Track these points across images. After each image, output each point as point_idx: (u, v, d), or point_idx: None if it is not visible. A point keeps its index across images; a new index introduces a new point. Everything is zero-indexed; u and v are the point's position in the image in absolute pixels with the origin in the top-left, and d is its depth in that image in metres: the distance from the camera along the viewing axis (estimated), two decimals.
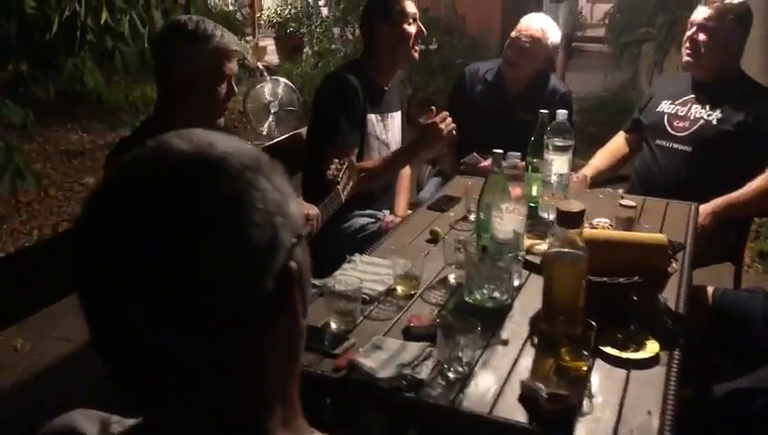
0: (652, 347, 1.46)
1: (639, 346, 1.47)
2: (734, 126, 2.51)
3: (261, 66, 7.32)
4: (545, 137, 2.26)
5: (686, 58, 2.63)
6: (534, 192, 2.33)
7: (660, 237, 1.70)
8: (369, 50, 2.62)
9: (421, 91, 6.56)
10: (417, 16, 2.58)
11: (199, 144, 0.59)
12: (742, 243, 2.75)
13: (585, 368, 1.39)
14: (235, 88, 1.93)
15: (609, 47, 6.05)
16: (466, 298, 1.70)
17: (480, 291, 1.68)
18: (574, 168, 2.44)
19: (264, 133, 5.66)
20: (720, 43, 2.53)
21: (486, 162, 2.88)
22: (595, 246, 1.61)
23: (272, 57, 7.84)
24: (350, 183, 2.29)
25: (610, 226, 2.09)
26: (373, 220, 2.60)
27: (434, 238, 2.09)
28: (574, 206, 1.51)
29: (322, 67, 6.53)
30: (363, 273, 1.79)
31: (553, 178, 2.24)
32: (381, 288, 1.72)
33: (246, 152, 0.61)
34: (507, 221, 1.76)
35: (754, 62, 4.18)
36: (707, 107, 2.58)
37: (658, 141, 2.67)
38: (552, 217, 2.19)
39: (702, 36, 2.54)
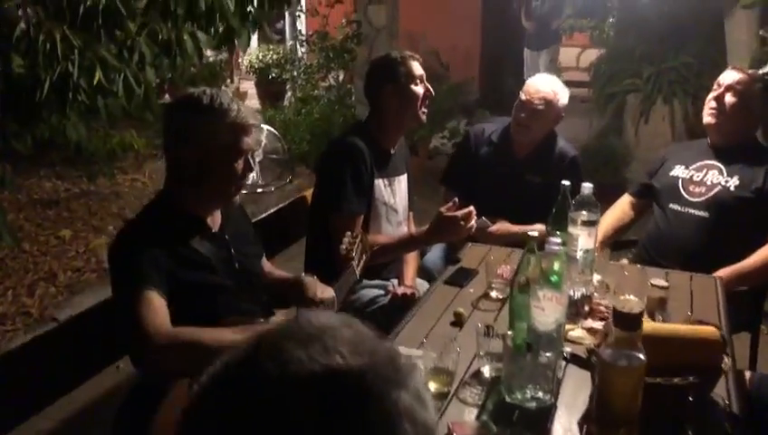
0: None
1: None
2: (752, 192, 2.47)
3: None
4: (570, 210, 2.16)
5: (708, 119, 2.60)
6: (557, 267, 2.23)
7: (713, 332, 1.60)
8: (374, 113, 2.54)
9: (407, 138, 6.49)
10: (425, 77, 2.51)
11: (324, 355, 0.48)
12: (758, 312, 2.68)
13: None
14: (252, 163, 1.80)
15: (594, 95, 6.05)
16: (507, 398, 1.58)
17: (522, 391, 1.57)
18: None
19: (249, 182, 5.51)
20: (745, 108, 2.52)
21: (495, 226, 2.80)
22: (646, 342, 1.52)
23: (252, 101, 7.73)
24: (364, 258, 2.17)
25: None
26: (383, 292, 2.49)
27: (458, 321, 1.97)
28: (633, 305, 1.40)
29: (306, 114, 6.43)
30: None
31: (579, 255, 2.14)
32: None
33: (380, 358, 0.50)
34: (549, 311, 1.65)
35: None
36: (725, 172, 2.54)
37: (672, 206, 2.61)
38: (578, 294, 2.10)
39: (729, 98, 2.52)
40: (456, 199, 2.34)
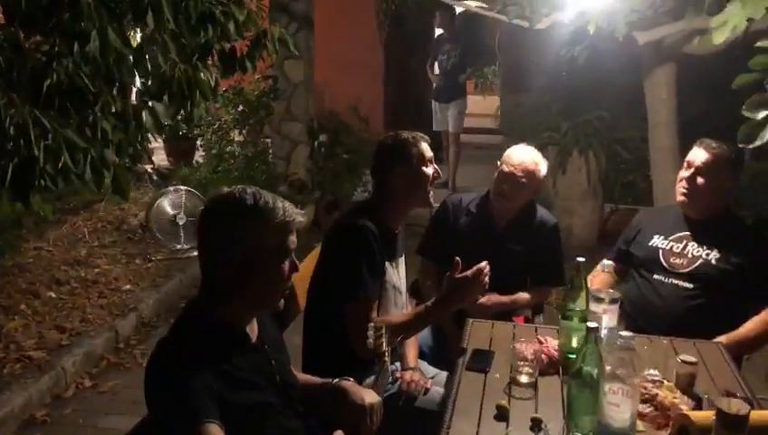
0: None
1: None
2: (733, 266, 2.56)
3: (150, 169, 6.84)
4: (594, 290, 2.16)
5: (681, 198, 2.68)
6: (575, 344, 2.22)
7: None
8: (381, 193, 2.46)
9: (330, 193, 6.41)
10: (433, 159, 2.46)
11: None
12: None
13: None
14: (297, 262, 1.66)
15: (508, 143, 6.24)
16: None
17: None
18: None
19: (177, 248, 5.20)
20: (716, 187, 2.61)
21: (485, 298, 2.76)
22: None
23: (158, 157, 7.37)
24: (389, 349, 2.05)
25: (663, 380, 2.00)
26: (389, 380, 2.36)
27: (503, 415, 1.90)
28: (739, 406, 1.39)
29: (223, 172, 6.19)
30: None
31: (604, 333, 2.13)
32: None
33: None
34: (624, 407, 1.61)
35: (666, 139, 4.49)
36: (704, 246, 2.63)
37: (656, 276, 2.68)
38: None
39: (700, 180, 2.61)
40: (458, 259, 2.26)
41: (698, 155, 2.62)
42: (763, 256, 2.58)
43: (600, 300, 2.12)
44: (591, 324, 1.74)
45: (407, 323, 2.28)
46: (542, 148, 6.02)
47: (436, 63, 7.91)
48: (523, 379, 2.08)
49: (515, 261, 2.89)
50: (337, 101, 7.49)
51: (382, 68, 9.19)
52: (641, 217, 2.95)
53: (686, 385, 1.99)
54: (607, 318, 2.12)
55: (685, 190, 2.65)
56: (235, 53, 3.00)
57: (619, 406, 1.62)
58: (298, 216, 1.63)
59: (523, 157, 2.82)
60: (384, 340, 2.00)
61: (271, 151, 6.55)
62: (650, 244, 2.75)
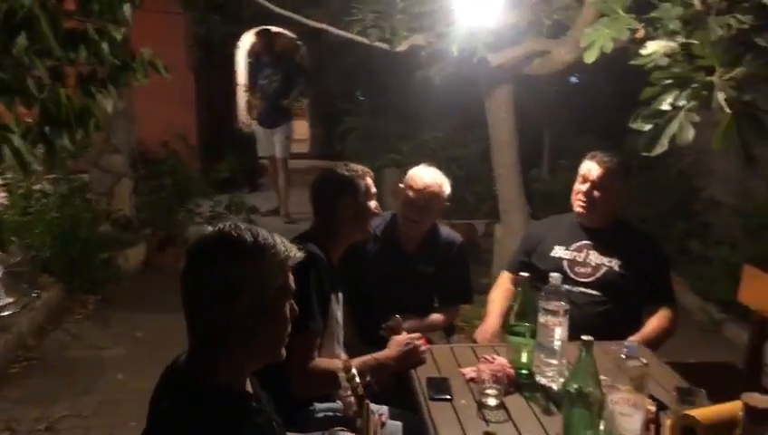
0: None
1: None
2: (633, 271, 2.74)
3: None
4: (541, 301, 2.18)
5: (579, 210, 2.82)
6: (525, 359, 2.23)
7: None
8: (325, 224, 2.39)
9: (161, 229, 5.94)
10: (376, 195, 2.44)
11: None
12: None
13: None
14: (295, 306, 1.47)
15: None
16: None
17: None
18: None
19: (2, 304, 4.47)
20: (612, 197, 2.79)
21: (407, 324, 2.68)
22: (722, 427, 1.60)
23: None
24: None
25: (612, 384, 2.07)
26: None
27: None
28: (763, 401, 1.46)
29: (37, 213, 5.47)
30: None
31: (557, 345, 2.16)
32: None
33: None
34: (637, 416, 1.63)
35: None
36: (605, 254, 2.79)
37: (564, 286, 2.79)
38: (553, 384, 2.12)
39: (596, 193, 2.77)
40: (398, 316, 2.24)
41: (593, 169, 2.78)
42: (656, 260, 2.82)
43: (553, 313, 2.15)
44: (586, 338, 1.74)
45: (363, 371, 2.16)
46: (381, 169, 6.20)
47: (260, 88, 7.70)
48: (491, 401, 2.04)
49: (426, 283, 2.87)
50: (153, 131, 7.02)
51: (193, 94, 8.81)
52: (536, 229, 3.07)
53: (640, 387, 2.07)
54: (560, 331, 2.15)
55: (583, 203, 2.80)
56: (95, 77, 2.64)
57: (631, 416, 1.64)
58: (294, 251, 1.44)
59: (428, 180, 2.81)
60: (357, 379, 1.85)
61: (89, 187, 5.93)
62: (553, 255, 2.86)
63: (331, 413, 2.21)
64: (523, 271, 2.95)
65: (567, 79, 6.53)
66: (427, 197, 2.77)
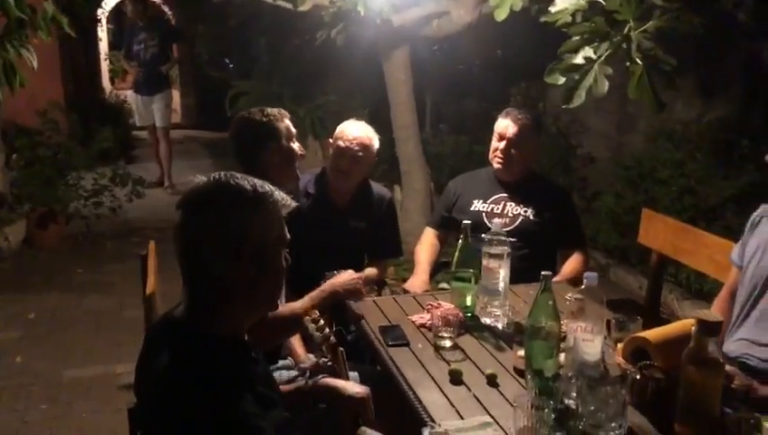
0: None
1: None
2: (547, 219, 2.92)
3: None
4: (485, 246, 2.28)
5: (497, 166, 2.95)
6: (469, 302, 2.33)
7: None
8: (253, 174, 2.27)
9: (41, 204, 5.54)
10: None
11: None
12: None
13: None
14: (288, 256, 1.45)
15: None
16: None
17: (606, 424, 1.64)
18: None
19: None
20: (527, 152, 2.94)
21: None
22: (670, 344, 1.78)
23: None
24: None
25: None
26: (298, 373, 2.21)
27: (458, 378, 1.92)
28: (711, 315, 1.63)
29: None
30: None
31: (501, 286, 2.28)
32: None
33: None
34: (597, 340, 1.77)
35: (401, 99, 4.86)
36: (521, 205, 2.94)
37: (483, 236, 2.93)
38: (498, 324, 2.25)
39: (513, 150, 2.90)
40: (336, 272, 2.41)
41: (509, 126, 2.91)
42: (567, 207, 3.05)
43: (497, 256, 2.25)
44: (545, 272, 1.85)
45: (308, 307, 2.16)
46: None
47: (135, 55, 7.30)
48: (447, 343, 2.12)
49: (358, 238, 2.90)
50: (21, 103, 6.48)
51: (59, 62, 8.21)
52: (455, 185, 3.17)
53: (578, 317, 2.23)
54: (503, 273, 2.27)
55: (501, 159, 2.93)
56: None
57: (592, 341, 1.77)
58: (289, 200, 1.43)
59: (358, 131, 2.83)
60: (326, 326, 1.86)
61: None
62: (472, 209, 2.98)
63: (285, 371, 2.21)
64: (444, 226, 3.11)
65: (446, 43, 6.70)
66: (356, 147, 2.79)
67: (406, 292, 2.88)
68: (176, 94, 11.57)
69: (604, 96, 2.62)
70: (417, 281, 2.92)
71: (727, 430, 1.63)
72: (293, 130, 2.42)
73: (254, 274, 1.32)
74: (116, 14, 12.43)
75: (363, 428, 1.50)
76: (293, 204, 1.43)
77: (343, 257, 2.81)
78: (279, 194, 1.40)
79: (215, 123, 9.67)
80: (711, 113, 4.68)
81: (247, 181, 1.36)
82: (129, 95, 7.50)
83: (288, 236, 1.42)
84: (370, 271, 2.89)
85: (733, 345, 2.24)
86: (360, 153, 2.81)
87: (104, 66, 11.94)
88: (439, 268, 3.13)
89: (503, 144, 2.92)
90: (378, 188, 2.99)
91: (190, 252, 1.32)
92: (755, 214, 2.38)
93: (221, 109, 5.92)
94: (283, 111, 2.43)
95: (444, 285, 3.07)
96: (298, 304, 2.20)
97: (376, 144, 2.88)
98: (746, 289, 2.28)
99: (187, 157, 8.71)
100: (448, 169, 6.08)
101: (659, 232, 3.15)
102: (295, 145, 2.42)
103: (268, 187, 1.38)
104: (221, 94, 7.88)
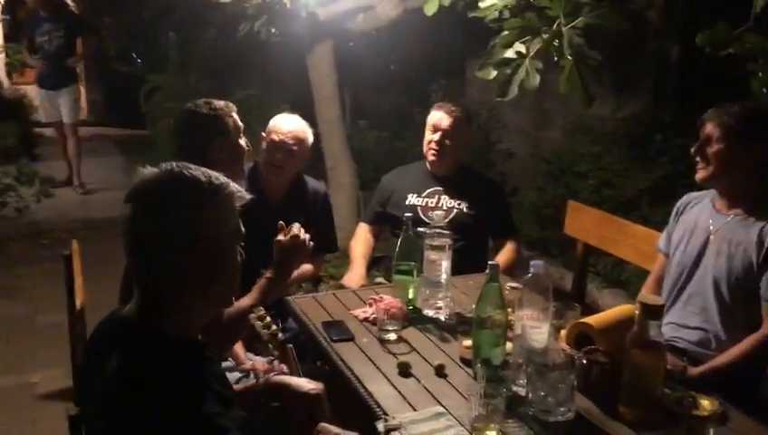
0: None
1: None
2: (480, 211, 2.97)
3: None
4: (427, 239, 2.29)
5: (431, 158, 2.98)
6: (411, 295, 2.33)
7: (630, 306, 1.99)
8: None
9: None
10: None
11: None
12: None
13: None
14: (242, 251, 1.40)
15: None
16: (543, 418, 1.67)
17: (554, 407, 1.67)
18: None
19: None
20: (460, 144, 2.99)
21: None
22: (612, 329, 1.84)
23: None
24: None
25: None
26: (242, 374, 2.15)
27: (406, 370, 1.91)
28: (654, 299, 1.69)
29: None
30: None
31: (443, 278, 2.28)
32: None
33: None
34: (544, 327, 1.80)
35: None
36: (455, 198, 2.98)
37: (420, 229, 2.94)
38: (441, 315, 2.26)
39: (447, 141, 2.93)
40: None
41: (443, 119, 2.95)
42: (499, 199, 3.12)
43: (439, 249, 2.26)
44: (492, 262, 1.87)
45: (259, 300, 2.09)
46: None
47: (39, 47, 6.89)
48: (392, 336, 2.12)
49: None
50: None
51: None
52: (389, 180, 3.17)
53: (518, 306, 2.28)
54: (446, 265, 2.28)
55: (435, 151, 2.95)
56: None
57: (540, 327, 1.80)
58: (243, 192, 1.38)
59: (293, 125, 2.78)
60: (272, 322, 1.82)
61: None
62: (407, 203, 2.99)
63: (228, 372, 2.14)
64: (378, 221, 3.11)
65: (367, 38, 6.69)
66: (291, 141, 2.74)
67: (342, 287, 2.85)
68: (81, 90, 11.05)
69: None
70: (355, 276, 2.90)
71: (668, 409, 1.70)
72: (241, 124, 2.32)
73: (209, 269, 1.27)
74: (11, 3, 11.74)
75: (322, 424, 1.46)
76: (248, 196, 1.38)
77: None
78: (234, 186, 1.34)
79: (124, 120, 9.32)
80: (625, 109, 4.88)
81: (201, 173, 1.30)
82: (33, 90, 7.08)
83: (243, 229, 1.37)
84: (306, 267, 2.84)
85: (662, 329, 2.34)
86: (295, 147, 2.76)
87: (0, 59, 11.26)
88: (374, 264, 3.13)
89: (437, 135, 2.94)
90: (312, 182, 2.95)
91: (142, 247, 1.24)
92: (679, 203, 2.49)
93: (131, 105, 5.71)
94: (230, 104, 2.32)
95: (380, 279, 3.07)
96: (246, 301, 2.12)
97: (310, 138, 2.84)
98: (673, 275, 2.39)
99: (95, 155, 8.32)
100: (372, 165, 6.08)
101: (584, 223, 3.25)
102: (243, 141, 2.32)
103: (223, 178, 1.33)
104: (130, 90, 7.63)
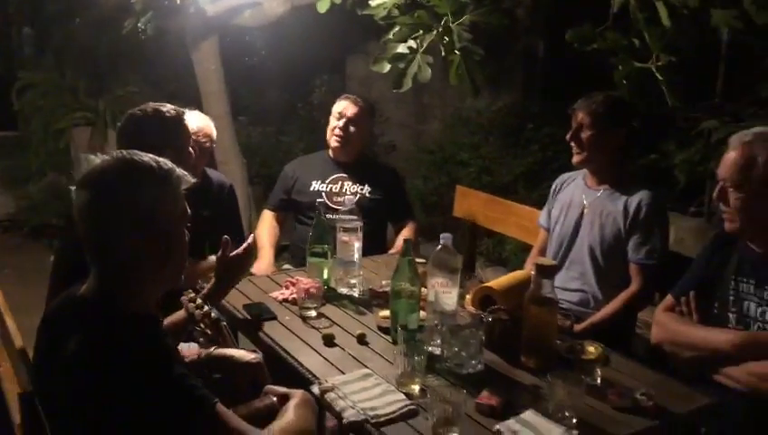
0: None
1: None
2: (381, 196, 3.17)
3: None
4: (339, 222, 2.45)
5: (335, 144, 3.14)
6: (325, 275, 2.48)
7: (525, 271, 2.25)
8: None
9: None
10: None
11: None
12: None
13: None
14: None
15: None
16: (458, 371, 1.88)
17: (467, 362, 1.89)
18: None
19: None
20: (364, 133, 3.18)
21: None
22: (511, 291, 2.10)
23: None
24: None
25: None
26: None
27: (331, 341, 2.06)
28: (547, 261, 1.94)
29: None
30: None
31: (355, 258, 2.45)
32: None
33: None
34: (454, 292, 2.01)
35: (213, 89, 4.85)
36: (357, 183, 3.16)
37: (328, 216, 3.09)
38: (354, 292, 2.43)
39: (352, 128, 3.11)
40: (227, 237, 2.26)
41: (349, 107, 3.13)
42: (397, 184, 3.35)
43: (351, 230, 2.43)
44: (407, 238, 2.08)
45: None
46: (67, 130, 5.70)
47: None
48: (313, 313, 2.26)
49: (204, 226, 2.88)
50: None
51: None
52: (292, 168, 3.29)
53: (423, 281, 2.48)
54: (357, 245, 2.45)
55: (339, 137, 3.12)
56: None
57: (450, 292, 2.01)
58: (187, 175, 1.48)
59: (201, 122, 2.85)
60: (203, 304, 1.90)
61: None
62: (312, 190, 3.14)
63: None
64: (283, 208, 3.23)
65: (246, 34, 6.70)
66: (204, 139, 2.82)
67: (251, 275, 2.94)
68: None
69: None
70: (263, 265, 3.01)
71: (561, 356, 1.97)
72: (191, 130, 2.37)
73: (163, 249, 1.37)
74: None
75: (268, 386, 1.59)
76: (192, 180, 1.48)
77: (199, 246, 2.81)
78: (180, 170, 1.44)
79: None
80: (499, 102, 5.26)
81: (150, 158, 1.39)
82: None
83: (189, 210, 1.47)
84: (211, 259, 2.91)
85: None
86: (207, 144, 2.83)
87: None
88: (279, 252, 3.25)
89: (342, 122, 3.11)
90: (217, 175, 3.03)
91: (99, 231, 1.32)
92: (555, 182, 2.81)
93: None
94: (179, 108, 2.33)
95: (287, 266, 3.19)
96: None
97: (214, 132, 2.92)
98: (554, 246, 2.70)
99: None
100: (259, 159, 6.14)
101: (472, 205, 3.54)
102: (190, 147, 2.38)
103: (170, 163, 1.43)
104: None
